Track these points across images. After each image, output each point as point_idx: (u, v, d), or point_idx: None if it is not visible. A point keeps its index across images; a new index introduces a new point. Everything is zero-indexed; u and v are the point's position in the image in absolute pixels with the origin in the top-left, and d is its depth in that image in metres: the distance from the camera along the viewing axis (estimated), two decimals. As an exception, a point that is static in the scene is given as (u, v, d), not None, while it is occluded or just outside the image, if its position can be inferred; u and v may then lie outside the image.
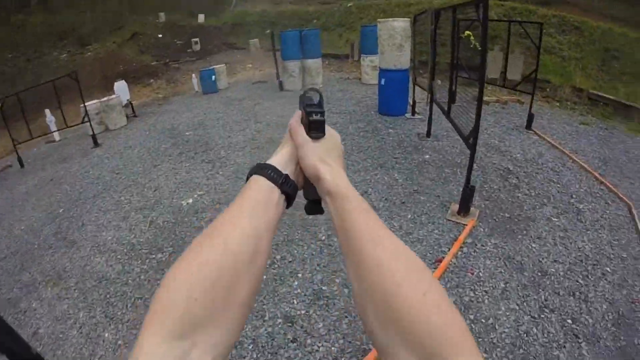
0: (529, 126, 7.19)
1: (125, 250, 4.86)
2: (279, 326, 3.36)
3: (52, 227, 5.92)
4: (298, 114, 0.71)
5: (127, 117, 10.75)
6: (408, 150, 6.35)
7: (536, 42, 6.69)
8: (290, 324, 3.37)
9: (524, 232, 4.30)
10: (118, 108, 10.18)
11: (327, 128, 0.68)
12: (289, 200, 0.63)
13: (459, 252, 3.96)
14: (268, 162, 0.65)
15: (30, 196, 7.33)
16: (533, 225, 4.40)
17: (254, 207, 0.57)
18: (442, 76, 6.52)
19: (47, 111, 9.68)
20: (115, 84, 10.99)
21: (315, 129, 0.66)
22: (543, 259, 3.89)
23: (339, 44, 15.91)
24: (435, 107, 6.30)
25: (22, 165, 9.03)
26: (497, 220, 4.52)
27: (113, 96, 10.25)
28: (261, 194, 0.59)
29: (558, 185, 5.25)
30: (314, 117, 0.66)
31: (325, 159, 0.63)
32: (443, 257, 3.86)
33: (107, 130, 10.22)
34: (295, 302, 3.59)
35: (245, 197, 0.59)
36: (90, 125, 9.00)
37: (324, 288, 3.68)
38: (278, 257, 4.19)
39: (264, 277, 3.87)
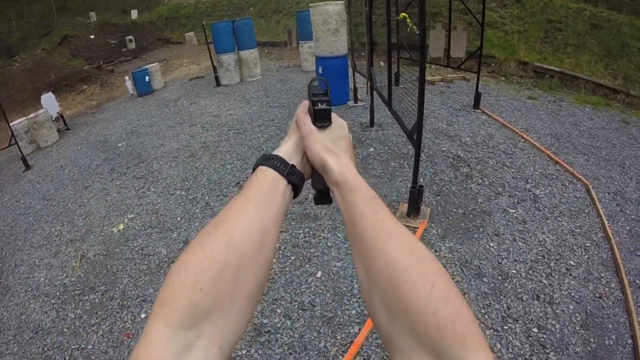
0: (476, 105, 6.89)
1: (58, 293, 4.31)
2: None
3: (-19, 271, 5.23)
4: (305, 104, 0.70)
5: (59, 131, 9.83)
6: (355, 141, 5.91)
7: (478, 17, 6.32)
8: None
9: (480, 229, 3.95)
10: (47, 123, 9.27)
11: (334, 117, 0.67)
12: (296, 190, 0.62)
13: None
14: (274, 152, 0.64)
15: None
16: (489, 220, 4.07)
17: (260, 198, 0.56)
18: (382, 58, 6.11)
19: None
20: (42, 97, 10.05)
21: (321, 118, 0.65)
22: (503, 259, 3.58)
23: (277, 31, 15.18)
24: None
25: None
26: (450, 218, 4.15)
27: (41, 111, 9.33)
28: (267, 185, 0.58)
29: (512, 170, 4.95)
30: (320, 106, 0.65)
31: (332, 149, 0.62)
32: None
33: (38, 149, 9.29)
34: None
35: (252, 188, 0.57)
36: (18, 146, 8.09)
37: (264, 321, 3.24)
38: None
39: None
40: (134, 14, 23.17)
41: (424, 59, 3.42)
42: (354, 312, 3.21)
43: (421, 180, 4.05)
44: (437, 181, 4.78)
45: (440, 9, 9.74)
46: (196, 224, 4.75)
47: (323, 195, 0.66)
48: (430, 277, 0.46)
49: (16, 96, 13.48)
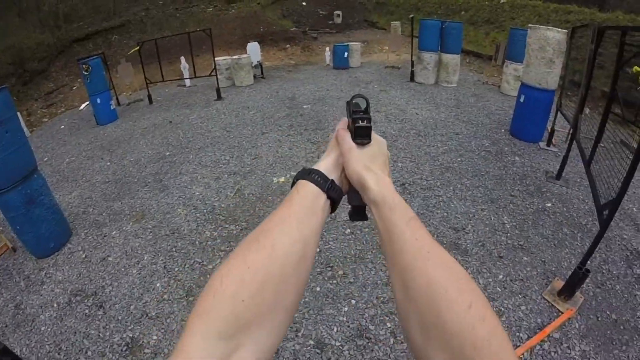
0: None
1: (205, 210, 4.98)
2: (308, 349, 3.06)
3: (154, 167, 6.36)
4: (344, 121, 0.71)
5: (255, 77, 11.15)
6: (529, 190, 5.15)
7: None
8: (319, 352, 3.04)
9: (624, 347, 3.16)
10: (247, 67, 10.58)
11: (373, 134, 0.68)
12: (334, 205, 0.64)
13: (537, 347, 3.06)
14: (314, 167, 0.66)
15: (148, 133, 7.96)
16: (638, 341, 3.21)
17: (302, 212, 0.58)
18: (592, 105, 5.19)
19: (183, 58, 10.47)
20: (249, 44, 11.44)
21: (360, 135, 0.66)
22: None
23: (483, 43, 14.35)
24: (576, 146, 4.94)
25: (150, 102, 9.92)
26: (599, 318, 3.41)
27: (244, 55, 10.65)
28: (308, 199, 0.60)
29: None
30: (360, 123, 0.66)
31: (371, 166, 0.64)
32: (516, 348, 3.02)
33: (232, 86, 10.75)
34: (335, 330, 3.22)
35: (293, 202, 0.59)
36: (217, 78, 9.48)
37: (371, 327, 3.23)
38: (340, 272, 3.81)
39: (318, 288, 3.64)
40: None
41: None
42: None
43: (588, 263, 3.44)
44: (603, 271, 3.93)
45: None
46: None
47: (359, 212, 0.68)
48: (468, 297, 0.46)
49: (226, 37, 15.50)
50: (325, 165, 0.66)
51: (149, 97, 10.03)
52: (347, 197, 0.69)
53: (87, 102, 9.82)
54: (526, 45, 6.65)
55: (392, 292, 0.55)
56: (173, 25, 17.11)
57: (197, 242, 4.40)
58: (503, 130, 6.96)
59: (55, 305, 3.79)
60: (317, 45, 16.08)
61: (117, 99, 10.10)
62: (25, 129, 10.90)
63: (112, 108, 9.14)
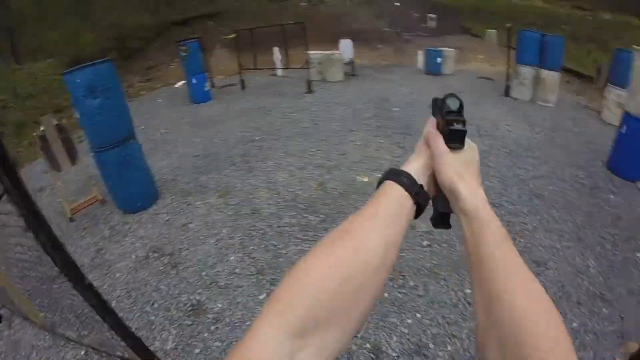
0: None
1: (287, 197, 5.06)
2: (363, 352, 2.95)
3: (242, 148, 6.61)
4: (433, 121, 0.67)
5: (346, 74, 11.14)
6: (622, 235, 4.42)
7: None
8: (373, 357, 2.92)
9: None
10: (338, 64, 10.64)
11: (466, 139, 0.63)
12: (419, 211, 0.61)
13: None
14: (403, 168, 0.64)
15: (240, 116, 8.29)
16: None
17: (388, 214, 0.56)
18: None
19: (276, 49, 10.77)
20: (342, 41, 11.44)
21: (454, 140, 0.62)
22: None
23: (584, 62, 13.05)
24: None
25: (243, 87, 10.36)
26: None
27: (336, 51, 10.71)
28: (395, 202, 0.58)
29: None
30: (456, 126, 0.62)
31: (463, 174, 0.60)
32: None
33: (323, 81, 10.81)
34: (394, 339, 3.06)
35: (380, 203, 0.57)
36: (308, 72, 9.62)
37: (431, 346, 3.01)
38: (412, 283, 3.63)
39: (387, 295, 3.46)
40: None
41: None
42: None
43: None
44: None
45: None
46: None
47: (443, 219, 0.63)
48: (554, 334, 0.45)
49: (318, 33, 15.52)
50: (415, 168, 0.64)
51: (242, 82, 10.45)
52: (432, 202, 0.65)
53: (183, 81, 10.43)
54: (632, 69, 5.85)
55: (473, 309, 0.53)
56: (268, 17, 17.67)
57: (275, 226, 4.46)
58: (600, 163, 6.11)
59: (133, 257, 4.09)
60: (410, 47, 15.75)
61: (211, 81, 10.62)
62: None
63: (206, 89, 9.68)
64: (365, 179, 5.35)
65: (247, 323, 3.16)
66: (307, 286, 0.46)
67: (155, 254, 4.09)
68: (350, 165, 5.80)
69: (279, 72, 11.34)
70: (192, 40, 9.67)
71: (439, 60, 11.74)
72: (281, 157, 6.13)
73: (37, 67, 13.60)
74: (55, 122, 4.88)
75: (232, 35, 10.38)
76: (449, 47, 12.77)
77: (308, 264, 0.49)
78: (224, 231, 4.43)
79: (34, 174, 6.33)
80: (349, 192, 5.09)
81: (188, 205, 5.03)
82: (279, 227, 4.45)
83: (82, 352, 3.08)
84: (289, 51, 10.56)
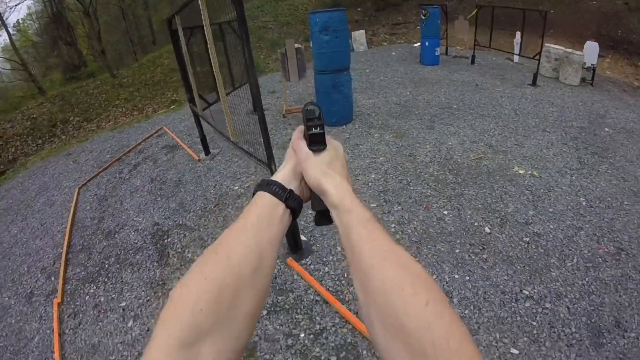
0: None
1: (444, 155, 5.74)
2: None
3: (437, 110, 7.49)
4: (300, 129, 0.72)
5: (583, 79, 9.45)
6: None
7: None
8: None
9: None
10: (576, 66, 9.50)
11: (329, 139, 0.69)
12: (294, 214, 0.65)
13: None
14: (273, 178, 0.67)
15: (450, 85, 9.05)
16: None
17: (258, 223, 0.59)
18: None
19: (518, 33, 10.24)
20: (588, 42, 9.79)
21: (315, 142, 0.67)
22: None
23: None
24: None
25: (472, 62, 10.96)
26: None
27: (577, 52, 9.58)
28: (266, 210, 0.61)
29: None
30: (314, 130, 0.67)
31: (328, 172, 0.64)
32: None
33: (554, 79, 9.74)
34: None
35: (251, 213, 0.61)
36: (539, 63, 9.24)
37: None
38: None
39: None
40: None
41: None
42: None
43: None
44: None
45: None
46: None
47: (323, 216, 0.67)
48: (424, 295, 0.46)
49: (571, 27, 13.05)
50: (283, 175, 0.68)
51: (473, 57, 10.91)
52: (310, 204, 0.70)
53: (419, 43, 11.47)
54: None
55: (356, 295, 0.54)
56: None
57: (418, 170, 5.30)
58: None
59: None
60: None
61: (446, 49, 11.36)
62: (364, 45, 13.56)
63: (436, 54, 10.58)
64: (522, 172, 5.34)
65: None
66: (187, 301, 0.49)
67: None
68: (519, 157, 5.70)
69: (516, 58, 11.04)
70: (435, 6, 10.47)
71: None
72: (462, 128, 6.58)
73: (299, 2, 16.60)
74: (296, 45, 6.86)
75: (475, 12, 10.75)
76: None
77: (186, 281, 0.52)
78: (380, 158, 5.61)
79: (272, 80, 9.26)
80: (497, 173, 5.28)
81: (368, 134, 6.40)
82: (423, 175, 5.19)
83: (246, 185, 4.85)
84: (523, 38, 10.25)
